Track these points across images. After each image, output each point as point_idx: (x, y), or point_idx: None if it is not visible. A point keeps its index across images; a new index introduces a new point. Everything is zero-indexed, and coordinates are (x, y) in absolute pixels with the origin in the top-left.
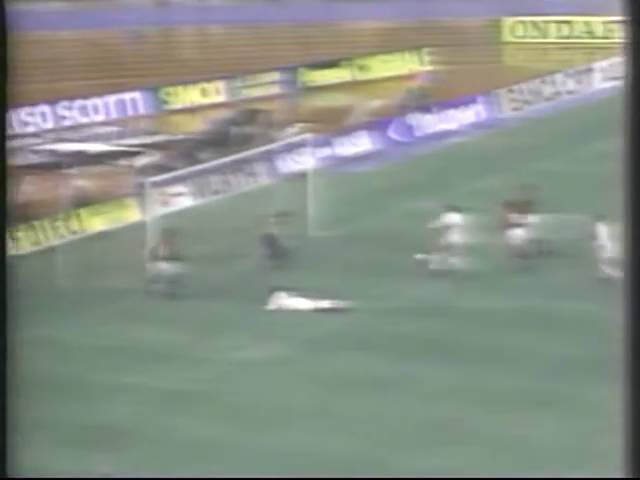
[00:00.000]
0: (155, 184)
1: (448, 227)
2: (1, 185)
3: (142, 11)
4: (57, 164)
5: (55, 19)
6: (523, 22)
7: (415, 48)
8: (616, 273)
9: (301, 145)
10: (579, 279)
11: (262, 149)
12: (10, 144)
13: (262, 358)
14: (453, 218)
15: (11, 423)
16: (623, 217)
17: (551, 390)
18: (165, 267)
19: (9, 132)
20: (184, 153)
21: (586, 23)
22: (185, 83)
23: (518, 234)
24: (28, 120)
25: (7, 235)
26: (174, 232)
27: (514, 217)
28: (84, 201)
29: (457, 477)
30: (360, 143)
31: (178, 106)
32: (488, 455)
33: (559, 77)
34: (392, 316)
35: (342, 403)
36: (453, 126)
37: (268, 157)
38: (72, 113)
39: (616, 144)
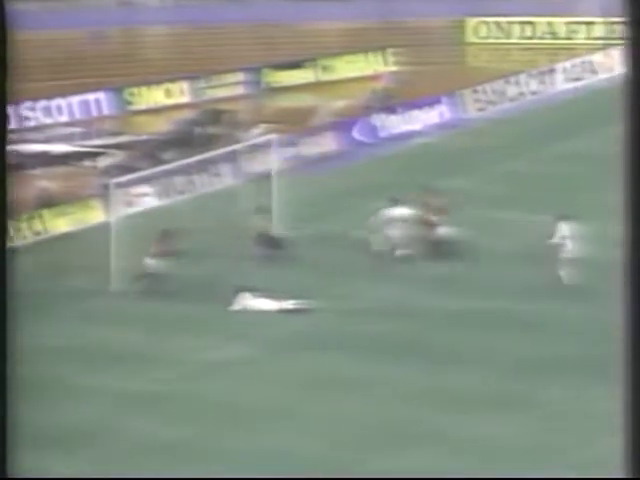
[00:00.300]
0: (119, 185)
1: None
2: (1, 185)
3: (105, 11)
4: (20, 165)
5: (16, 19)
6: (486, 23)
7: (379, 49)
8: (577, 274)
9: (265, 146)
10: (541, 280)
11: (227, 149)
12: (8, 143)
13: (226, 359)
14: (399, 212)
15: (11, 424)
16: (623, 218)
17: (514, 390)
18: (156, 264)
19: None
20: (148, 154)
21: (549, 24)
22: (149, 84)
23: (441, 232)
24: None
25: (6, 236)
26: (170, 231)
27: (435, 217)
28: (48, 202)
29: (456, 477)
30: (324, 144)
31: (142, 107)
32: (453, 455)
33: (523, 78)
34: (356, 316)
35: (307, 403)
36: (417, 127)
37: (233, 157)
38: (35, 114)
39: (579, 145)
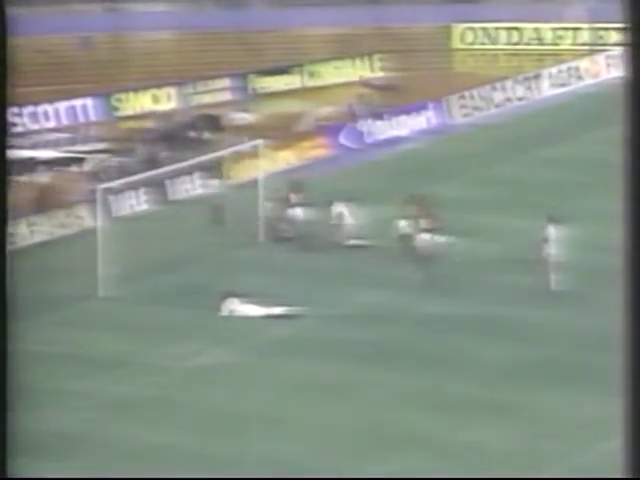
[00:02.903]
0: (107, 190)
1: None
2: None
3: (92, 17)
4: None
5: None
6: (473, 29)
7: (366, 54)
8: (565, 279)
9: (252, 151)
10: (529, 285)
11: (214, 155)
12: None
13: (214, 364)
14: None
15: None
16: (623, 221)
17: (499, 395)
18: (297, 213)
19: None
20: (136, 159)
21: (536, 30)
22: (136, 89)
23: (426, 238)
24: None
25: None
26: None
27: (423, 222)
28: (35, 208)
29: (458, 477)
30: (312, 150)
31: (129, 112)
32: (438, 460)
33: (509, 83)
34: (343, 322)
35: (293, 409)
36: (404, 132)
37: (219, 163)
38: (22, 120)
39: (565, 150)
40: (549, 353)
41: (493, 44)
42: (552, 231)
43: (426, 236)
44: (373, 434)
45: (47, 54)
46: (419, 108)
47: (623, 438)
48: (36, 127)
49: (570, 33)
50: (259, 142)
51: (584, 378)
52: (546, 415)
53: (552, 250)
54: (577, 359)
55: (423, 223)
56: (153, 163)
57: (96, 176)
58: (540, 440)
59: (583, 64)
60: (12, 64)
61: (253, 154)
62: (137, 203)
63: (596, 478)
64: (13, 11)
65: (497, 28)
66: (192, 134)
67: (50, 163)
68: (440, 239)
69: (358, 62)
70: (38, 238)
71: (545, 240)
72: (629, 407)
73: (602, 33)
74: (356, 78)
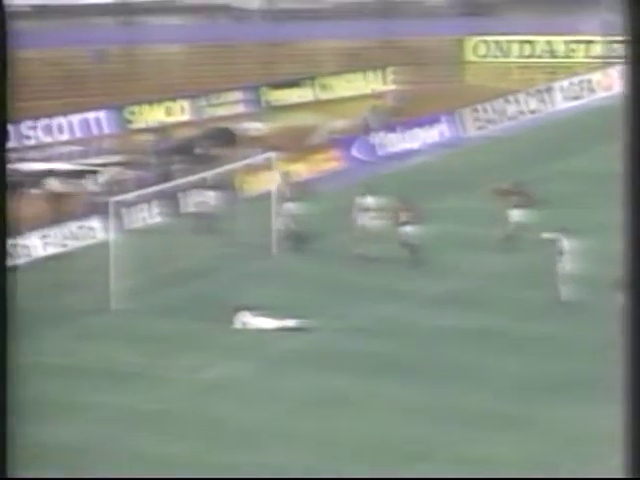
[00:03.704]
0: (120, 203)
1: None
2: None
3: (107, 30)
4: (20, 183)
5: (18, 38)
6: (485, 41)
7: (378, 67)
8: (575, 290)
9: (265, 164)
10: (540, 297)
11: (227, 167)
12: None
13: (227, 376)
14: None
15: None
16: (623, 231)
17: (511, 409)
18: (410, 230)
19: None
20: (149, 172)
21: (548, 42)
22: (149, 102)
23: (408, 231)
24: None
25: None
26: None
27: (404, 215)
28: (48, 220)
29: (460, 477)
30: (324, 162)
31: (142, 125)
32: (451, 472)
33: (522, 96)
34: (356, 335)
35: (305, 421)
36: (416, 145)
37: (232, 175)
38: (36, 132)
39: (578, 163)
40: (561, 365)
41: (506, 57)
42: (566, 243)
43: (408, 228)
44: (386, 446)
45: (61, 67)
46: (432, 121)
47: (623, 438)
48: (50, 140)
49: (582, 46)
50: (272, 155)
51: (598, 390)
52: (559, 428)
53: (567, 262)
54: (589, 371)
55: (403, 216)
56: (166, 176)
57: (109, 189)
58: (553, 453)
59: (595, 77)
60: (13, 80)
61: (266, 166)
62: (150, 216)
63: (596, 478)
64: (17, 26)
65: (510, 41)
66: (205, 147)
67: (63, 175)
68: (419, 232)
69: (370, 75)
70: (51, 250)
71: (560, 253)
72: (629, 407)
73: (615, 46)
74: (368, 91)
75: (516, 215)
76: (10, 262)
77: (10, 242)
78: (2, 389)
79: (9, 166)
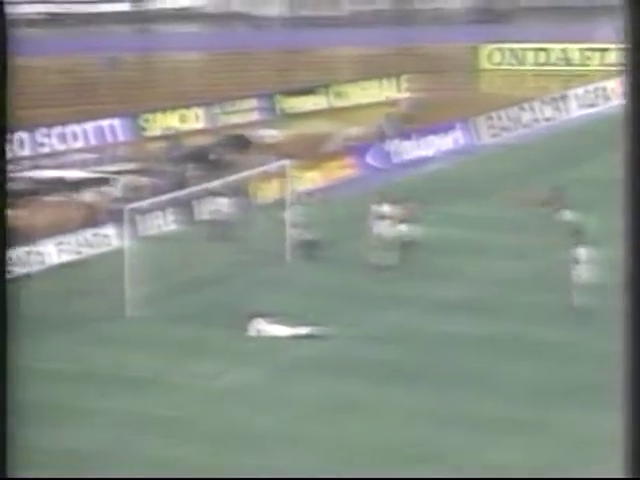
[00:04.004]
0: (134, 210)
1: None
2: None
3: (122, 37)
4: (35, 191)
5: (33, 45)
6: (500, 49)
7: (393, 75)
8: (589, 298)
9: (280, 171)
10: (554, 304)
11: (242, 175)
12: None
13: (240, 384)
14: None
15: (11, 423)
16: (624, 236)
17: (522, 415)
18: (404, 229)
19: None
20: (163, 179)
21: (563, 50)
22: (164, 109)
23: (397, 228)
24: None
25: (7, 261)
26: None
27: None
28: (62, 227)
29: (464, 477)
30: (339, 170)
31: (157, 132)
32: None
33: (536, 104)
34: (370, 342)
35: (319, 428)
36: (431, 153)
37: (247, 183)
38: (50, 140)
39: (592, 170)
40: (574, 373)
41: (520, 64)
42: (582, 251)
43: (403, 227)
44: (397, 452)
45: (74, 74)
46: (446, 128)
47: (623, 439)
48: (64, 147)
49: (597, 53)
50: (286, 162)
51: (610, 396)
52: (570, 433)
53: (582, 270)
54: (601, 378)
55: (399, 214)
56: (180, 183)
57: (124, 196)
58: (563, 458)
59: (610, 85)
60: (13, 87)
61: (280, 174)
62: (164, 223)
63: (596, 478)
64: (41, 32)
65: (524, 49)
66: (219, 154)
67: (78, 183)
68: (416, 232)
69: (385, 82)
70: (65, 258)
71: (575, 261)
72: (629, 408)
73: None
74: (383, 98)
75: (567, 215)
76: (9, 268)
77: (10, 249)
78: (2, 390)
79: (14, 174)
